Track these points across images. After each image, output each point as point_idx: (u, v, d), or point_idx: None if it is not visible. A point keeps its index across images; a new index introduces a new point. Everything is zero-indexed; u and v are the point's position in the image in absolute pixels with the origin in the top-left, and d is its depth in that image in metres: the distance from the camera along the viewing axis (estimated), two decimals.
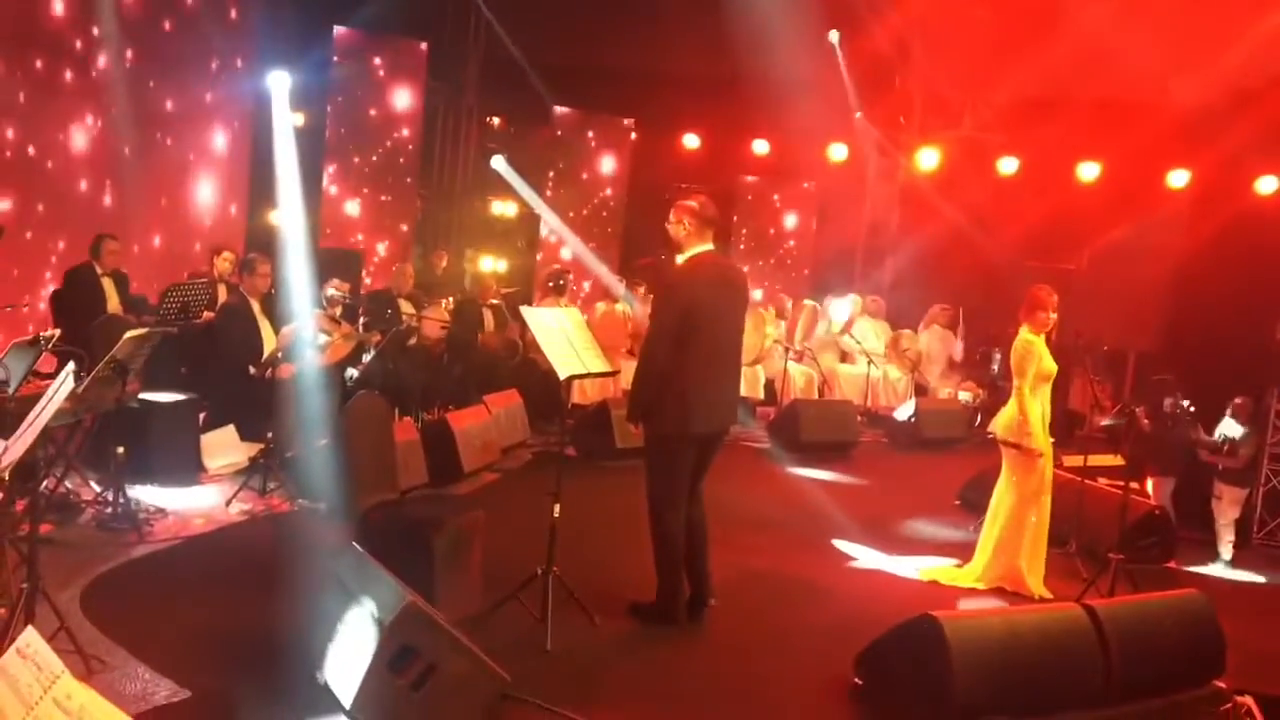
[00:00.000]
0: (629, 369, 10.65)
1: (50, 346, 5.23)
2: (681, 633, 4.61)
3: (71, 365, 3.65)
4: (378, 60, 13.46)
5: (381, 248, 13.66)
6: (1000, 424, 6.32)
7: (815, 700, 4.58)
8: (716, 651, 4.79)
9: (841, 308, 12.90)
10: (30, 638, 1.78)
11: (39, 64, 8.76)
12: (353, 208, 13.62)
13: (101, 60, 9.47)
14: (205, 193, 11.43)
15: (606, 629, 4.99)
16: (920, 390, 12.39)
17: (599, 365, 5.21)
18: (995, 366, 12.24)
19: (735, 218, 16.16)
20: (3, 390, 5.11)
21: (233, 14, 11.54)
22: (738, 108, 13.69)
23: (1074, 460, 7.67)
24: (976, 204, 13.28)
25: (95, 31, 9.35)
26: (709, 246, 5.19)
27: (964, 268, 12.99)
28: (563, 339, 5.10)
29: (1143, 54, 11.01)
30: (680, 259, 5.18)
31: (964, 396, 12.29)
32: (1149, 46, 10.87)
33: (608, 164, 15.99)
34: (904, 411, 11.54)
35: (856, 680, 4.66)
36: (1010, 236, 12.85)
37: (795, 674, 4.73)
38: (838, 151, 14.66)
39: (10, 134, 8.48)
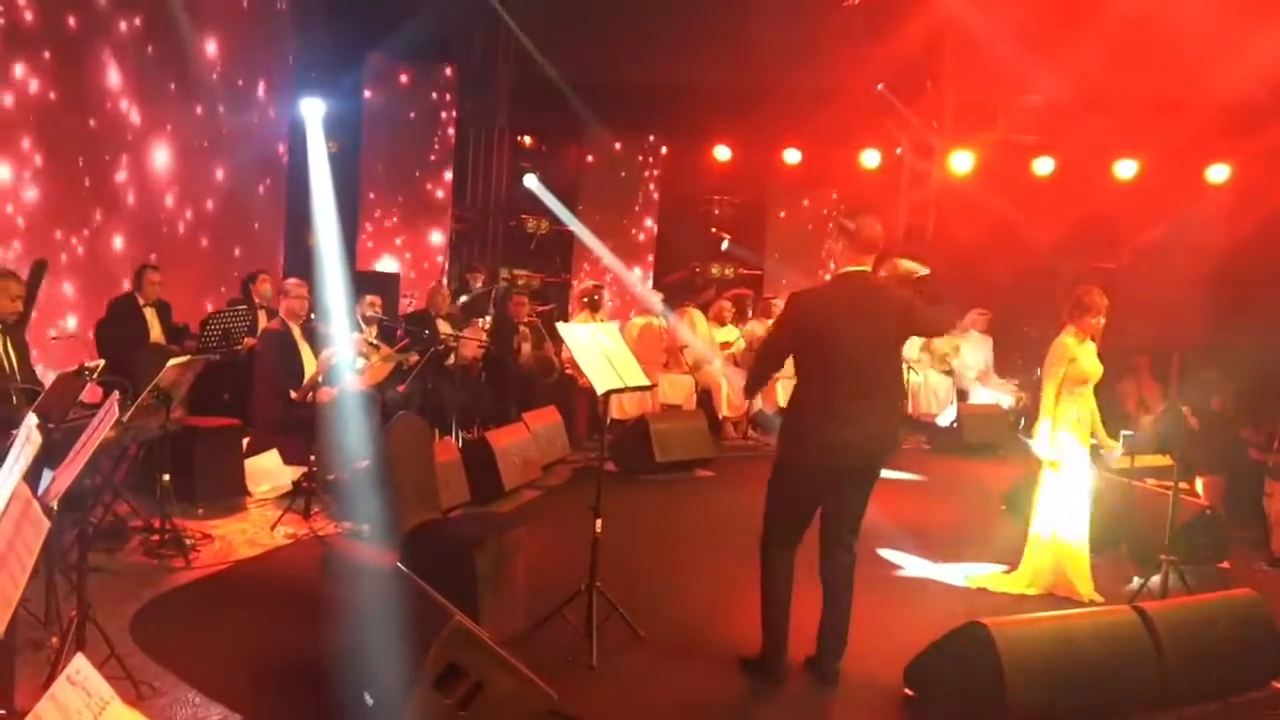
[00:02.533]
0: (666, 383, 10.80)
1: (95, 377, 5.29)
2: (727, 647, 4.57)
3: (116, 395, 3.69)
4: (410, 83, 13.59)
5: (417, 269, 13.76)
6: (1035, 427, 6.25)
7: (866, 713, 4.53)
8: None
9: None
10: (80, 665, 1.79)
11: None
12: (388, 230, 13.74)
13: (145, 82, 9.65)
14: (243, 218, 11.56)
15: (651, 644, 4.96)
16: (962, 396, 12.28)
17: (636, 380, 5.21)
18: (1039, 370, 12.10)
19: (767, 227, 16.14)
20: (49, 421, 5.17)
21: (267, 42, 11.69)
22: (768, 118, 13.69)
23: (1121, 462, 7.56)
24: (1013, 206, 13.16)
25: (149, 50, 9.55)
26: (861, 268, 4.75)
27: (1002, 270, 12.86)
28: (599, 354, 5.09)
29: (1181, 48, 10.88)
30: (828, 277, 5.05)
31: (1006, 401, 12.16)
32: (1187, 40, 10.74)
33: (639, 179, 16.03)
34: (946, 417, 11.43)
35: (907, 691, 4.61)
36: (1048, 237, 12.71)
37: (844, 687, 4.67)
38: (870, 158, 14.60)
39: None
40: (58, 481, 3.61)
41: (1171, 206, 12.52)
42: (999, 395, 12.25)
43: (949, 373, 12.42)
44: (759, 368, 4.98)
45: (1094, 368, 6.09)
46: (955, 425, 11.11)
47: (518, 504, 7.77)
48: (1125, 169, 13.20)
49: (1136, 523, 6.75)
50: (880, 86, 13.24)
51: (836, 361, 4.55)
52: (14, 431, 4.82)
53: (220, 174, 10.94)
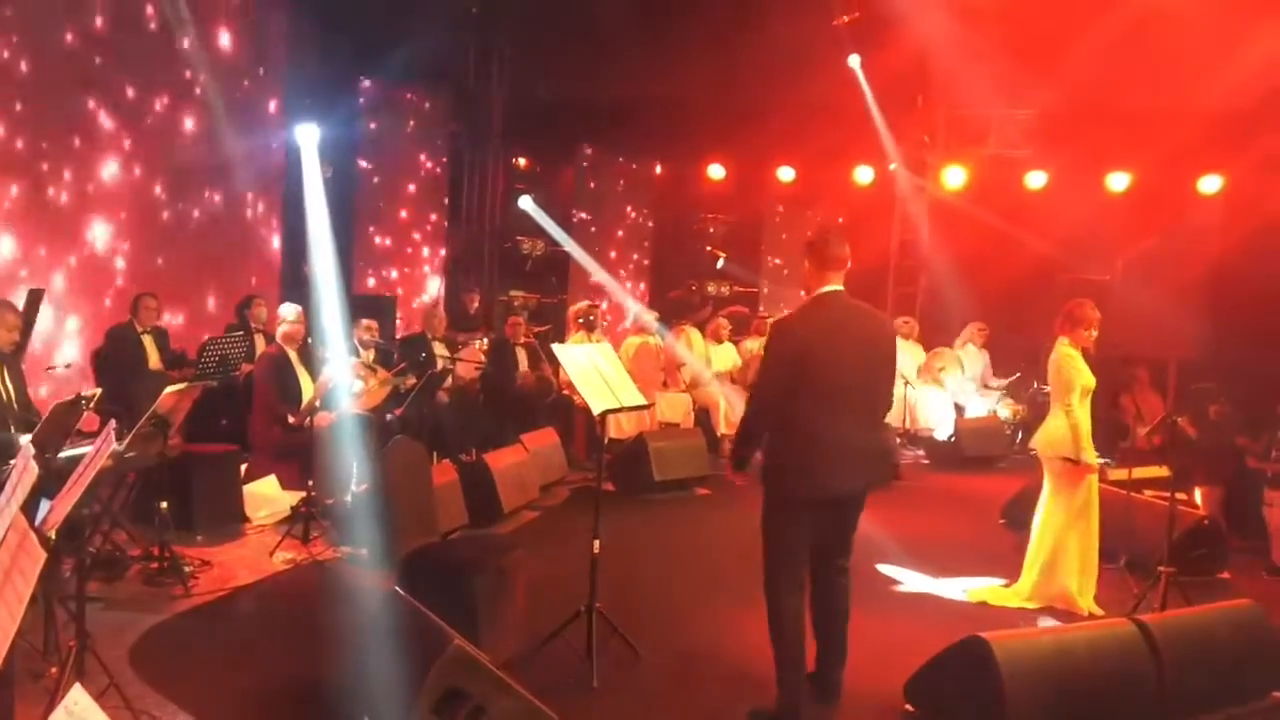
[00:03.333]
0: (664, 401, 10.81)
1: (91, 406, 5.30)
2: (728, 667, 4.56)
3: (113, 424, 3.70)
4: (403, 107, 13.65)
5: (413, 292, 13.79)
6: (1042, 440, 6.25)
7: None
8: (764, 684, 4.72)
9: None
10: (78, 696, 1.79)
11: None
12: (383, 253, 13.77)
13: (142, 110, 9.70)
14: (239, 243, 11.60)
15: (652, 664, 4.96)
16: (959, 410, 12.29)
17: (633, 399, 5.22)
18: (1035, 382, 12.13)
19: (763, 245, 16.19)
20: (45, 451, 5.17)
21: (261, 69, 11.74)
22: (761, 136, 13.74)
23: (1119, 473, 7.57)
24: (1006, 219, 13.20)
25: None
26: (835, 288, 4.55)
27: (996, 283, 12.89)
28: (595, 375, 5.11)
29: (1171, 60, 10.95)
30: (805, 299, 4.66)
31: (1004, 413, 12.17)
32: (1177, 52, 10.80)
33: (634, 198, 16.08)
34: (943, 431, 11.44)
35: (908, 707, 4.60)
36: (1042, 250, 12.75)
37: (846, 702, 4.66)
38: (863, 174, 14.66)
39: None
40: (55, 511, 3.61)
41: (1164, 217, 12.57)
42: (996, 406, 12.25)
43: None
44: (760, 413, 4.54)
45: (1090, 378, 6.11)
46: (953, 439, 11.12)
47: (516, 525, 7.77)
48: (1118, 181, 13.25)
49: (1135, 534, 6.76)
50: (854, 61, 13.13)
51: (831, 388, 4.38)
52: (11, 461, 4.84)
53: (216, 200, 10.97)
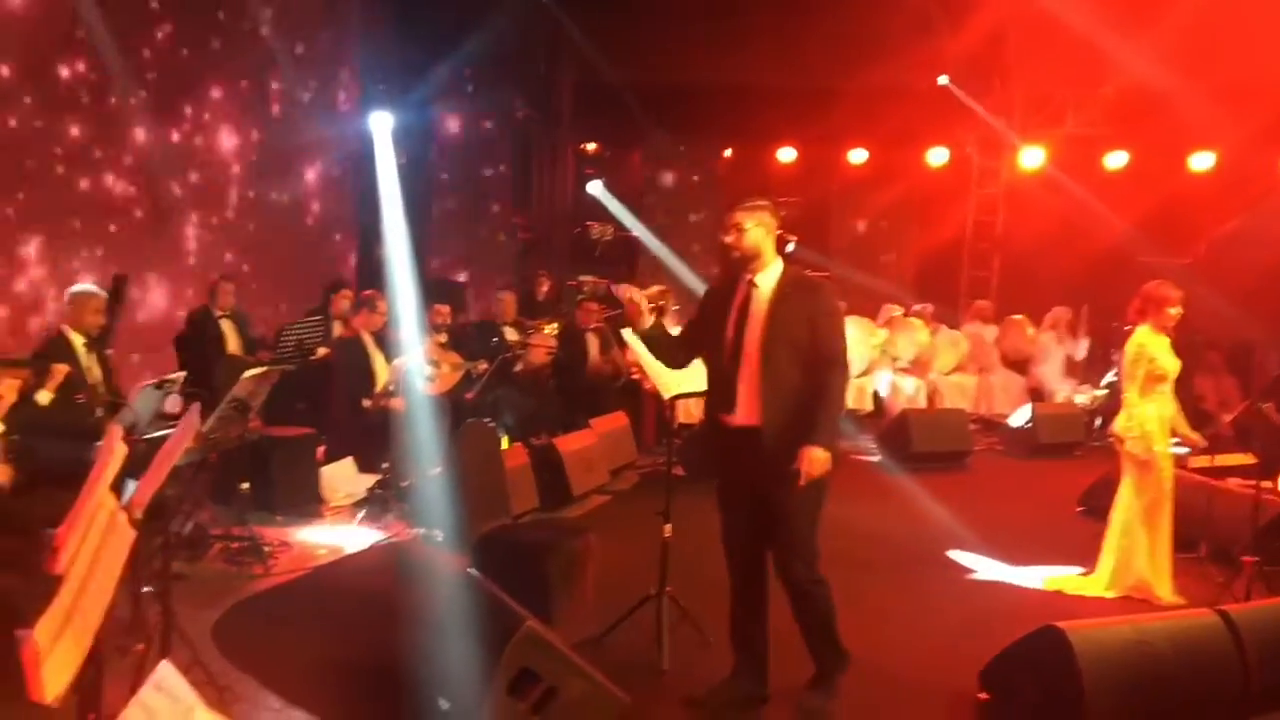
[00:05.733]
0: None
1: (175, 388, 5.43)
2: (801, 654, 4.54)
3: (196, 406, 3.79)
4: (474, 94, 13.74)
5: (484, 277, 13.90)
6: (1118, 424, 6.13)
7: (939, 716, 4.48)
8: None
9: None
10: (166, 671, 1.85)
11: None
12: (455, 239, 13.90)
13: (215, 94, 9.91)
14: (315, 230, 11.80)
15: (721, 649, 4.95)
16: (1036, 395, 12.08)
17: (703, 384, 5.20)
18: (1115, 367, 11.87)
19: (833, 228, 16.05)
20: (132, 433, 5.32)
21: (336, 59, 11.92)
22: (832, 118, 13.61)
23: (1201, 461, 7.38)
24: (1084, 200, 12.94)
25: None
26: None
27: (1074, 266, 12.65)
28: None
29: (1257, 36, 10.61)
30: (775, 269, 4.32)
31: (1081, 400, 11.94)
32: (1263, 28, 10.46)
33: (703, 182, 16.03)
34: (1019, 417, 11.26)
35: (981, 696, 4.55)
36: (1121, 232, 12.48)
37: (918, 691, 4.63)
38: (937, 156, 14.46)
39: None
40: (142, 491, 3.71)
41: (1249, 198, 12.20)
42: (1074, 393, 12.03)
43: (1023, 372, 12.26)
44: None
45: (1172, 364, 5.97)
46: (1029, 426, 10.93)
47: (586, 510, 7.81)
48: (1201, 161, 12.90)
49: (1216, 523, 6.59)
50: (944, 80, 13.06)
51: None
52: (98, 443, 4.98)
53: (293, 187, 11.17)
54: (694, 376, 5.11)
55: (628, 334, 5.42)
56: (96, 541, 2.74)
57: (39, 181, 8.16)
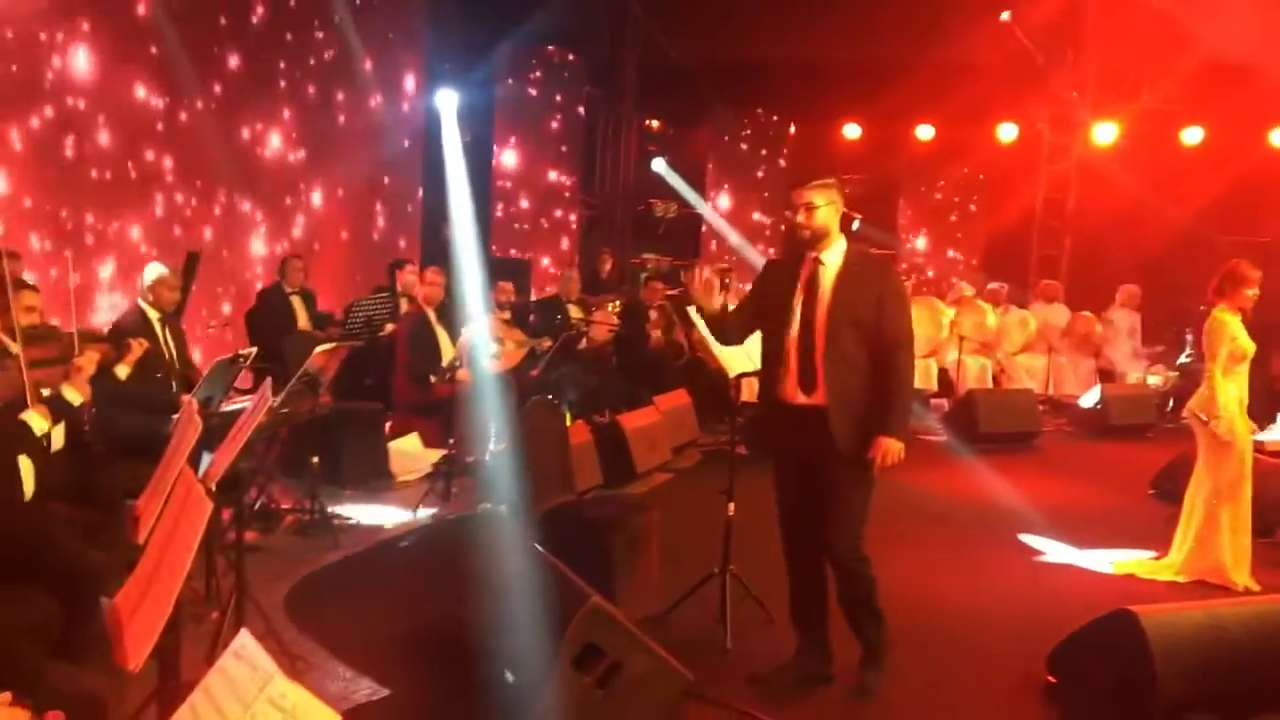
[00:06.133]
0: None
1: (248, 364, 5.53)
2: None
3: (269, 380, 3.86)
4: (539, 72, 13.77)
5: (548, 255, 13.96)
6: (1199, 405, 6.00)
7: (1008, 699, 4.43)
8: (901, 650, 4.67)
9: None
10: (245, 639, 1.89)
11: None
12: (519, 217, 13.96)
13: (282, 73, 10.03)
14: (382, 208, 11.92)
15: (785, 627, 4.94)
16: (1106, 376, 11.86)
17: None
18: (1188, 348, 11.62)
19: (900, 206, 15.86)
20: (207, 407, 5.44)
21: (403, 37, 12.00)
22: (899, 94, 13.40)
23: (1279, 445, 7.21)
24: (1158, 177, 12.63)
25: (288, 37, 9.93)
26: None
27: (1148, 245, 12.37)
28: None
29: None
30: (840, 247, 4.23)
31: (1154, 380, 11.70)
32: None
33: (766, 159, 15.91)
34: (1089, 398, 11.06)
35: (1050, 678, 4.50)
36: (1196, 210, 12.17)
37: (985, 673, 4.59)
38: (1007, 131, 14.20)
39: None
40: (217, 463, 3.79)
41: None
42: (1146, 374, 11.79)
43: (1096, 354, 12.03)
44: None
45: (1249, 344, 5.82)
46: (1099, 407, 10.74)
47: (649, 487, 7.83)
48: None
49: None
50: (1005, 16, 12.68)
51: None
52: (175, 416, 5.10)
53: (359, 166, 11.29)
54: (757, 355, 5.08)
55: (692, 312, 5.41)
56: (175, 512, 2.81)
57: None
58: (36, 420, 4.10)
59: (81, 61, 7.76)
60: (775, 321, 4.34)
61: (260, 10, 9.71)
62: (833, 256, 4.22)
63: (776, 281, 4.38)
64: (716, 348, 5.01)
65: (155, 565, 2.74)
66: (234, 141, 9.47)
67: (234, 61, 9.37)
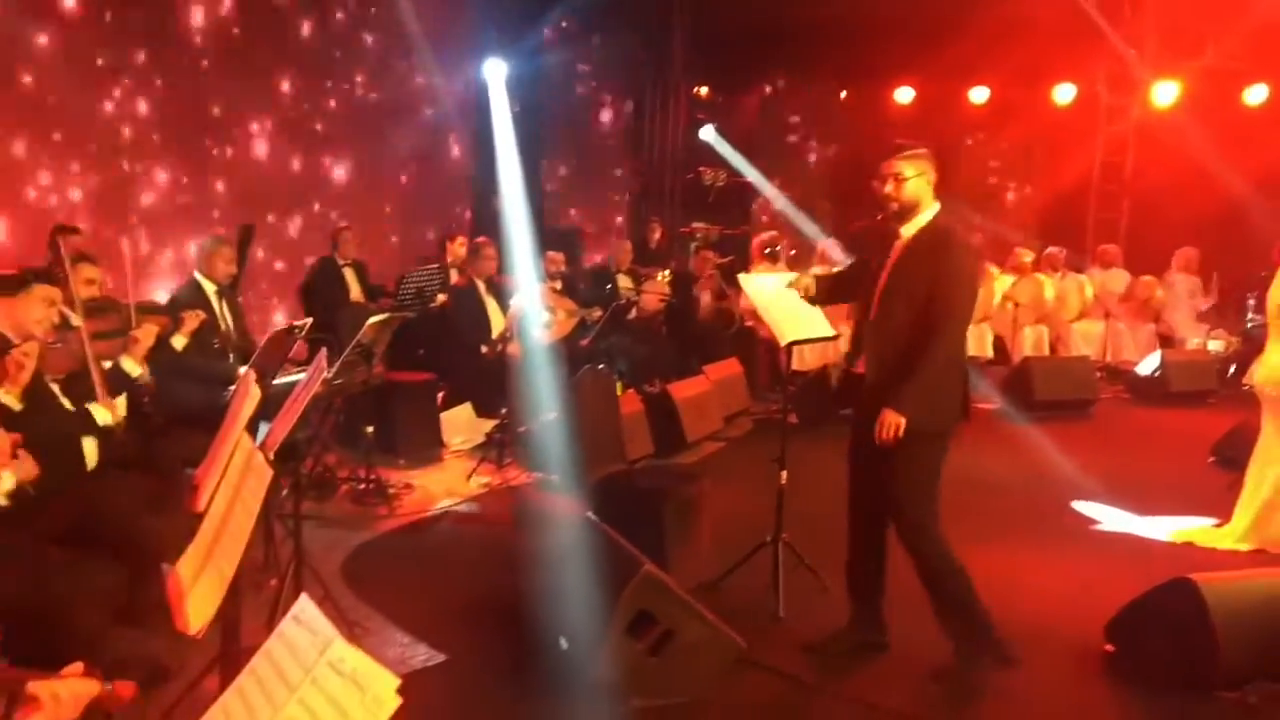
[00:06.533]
0: (849, 333, 10.59)
1: (303, 335, 5.60)
2: (920, 601, 4.48)
3: (324, 351, 3.90)
4: (587, 40, 13.70)
5: (597, 224, 13.94)
6: (1260, 374, 5.86)
7: (1065, 668, 4.39)
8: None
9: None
10: (305, 604, 1.91)
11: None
12: (568, 186, 13.95)
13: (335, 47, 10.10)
14: (432, 179, 11.96)
15: (838, 595, 4.93)
16: (1165, 342, 11.64)
17: (821, 330, 5.14)
18: (1250, 312, 11.36)
19: (953, 169, 15.63)
20: (263, 377, 5.50)
21: (451, 5, 11.99)
22: (952, 56, 13.15)
23: None
24: (1221, 139, 12.30)
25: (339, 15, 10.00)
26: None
27: (1209, 208, 12.07)
28: (782, 305, 5.04)
29: None
30: (922, 220, 4.14)
31: (1214, 346, 11.46)
32: None
33: (817, 125, 15.74)
34: (1147, 365, 10.87)
35: (1108, 648, 4.45)
36: (1260, 172, 11.84)
37: (1042, 642, 4.54)
38: (1064, 93, 13.92)
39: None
40: (274, 433, 3.84)
41: None
42: (1207, 339, 11.56)
43: (1156, 319, 11.83)
44: (953, 347, 4.10)
45: None
46: (1158, 373, 10.55)
47: (700, 456, 7.83)
48: None
49: None
50: None
51: (970, 310, 4.20)
52: (232, 387, 5.17)
53: (409, 137, 11.33)
54: (809, 323, 5.06)
55: (744, 279, 5.38)
56: (234, 481, 2.85)
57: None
58: (101, 413, 4.17)
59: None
60: (865, 293, 4.30)
61: None
62: (912, 229, 4.14)
63: (874, 251, 4.30)
64: (767, 316, 4.99)
65: (216, 533, 2.79)
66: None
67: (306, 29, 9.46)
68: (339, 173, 10.55)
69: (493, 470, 7.04)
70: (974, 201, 15.17)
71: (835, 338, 5.53)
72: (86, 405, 4.15)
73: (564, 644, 4.06)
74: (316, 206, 10.12)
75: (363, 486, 6.31)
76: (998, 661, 4.14)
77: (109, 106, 8.68)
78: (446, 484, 6.82)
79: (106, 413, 4.20)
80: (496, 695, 4.01)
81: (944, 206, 4.17)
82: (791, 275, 4.82)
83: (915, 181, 4.11)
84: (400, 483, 6.60)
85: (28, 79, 8.09)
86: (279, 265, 9.89)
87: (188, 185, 9.09)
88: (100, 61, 8.36)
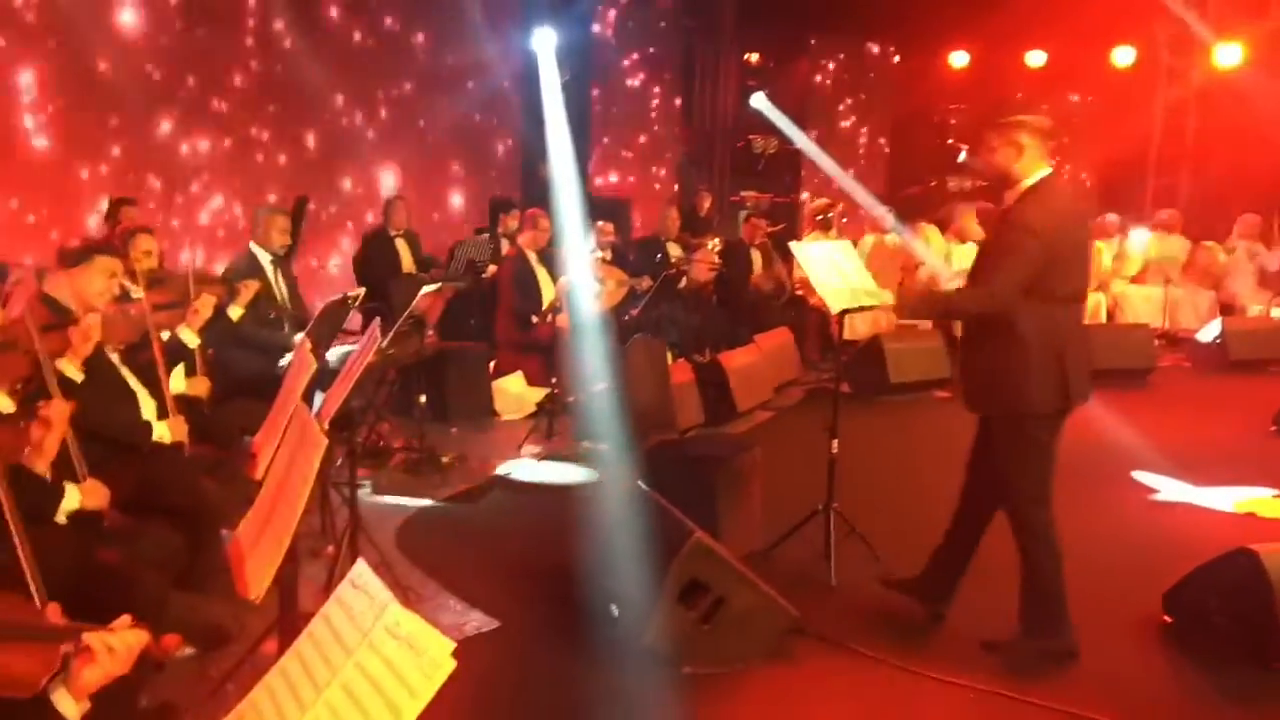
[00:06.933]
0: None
1: (356, 305, 5.65)
2: (974, 570, 4.45)
3: (377, 321, 3.93)
4: (636, 8, 13.62)
5: (647, 193, 13.89)
6: None
7: (1123, 639, 4.34)
8: (1014, 590, 4.60)
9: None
10: (361, 569, 1.94)
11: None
12: (618, 155, 13.91)
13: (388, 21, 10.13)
14: (481, 150, 11.98)
15: (889, 565, 4.91)
16: (1226, 309, 11.40)
17: (874, 298, 5.07)
18: None
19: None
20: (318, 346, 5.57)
21: None
22: (1008, 18, 12.89)
23: None
24: None
25: None
26: (1050, 170, 4.08)
27: (1271, 175, 11.76)
28: (834, 273, 5.00)
29: None
30: (1021, 188, 4.03)
31: (1277, 313, 11.21)
32: None
33: (870, 91, 15.54)
34: (1208, 333, 10.66)
35: (1167, 618, 4.39)
36: None
37: (1100, 612, 4.48)
38: (1123, 56, 13.60)
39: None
40: (329, 402, 3.89)
41: None
42: (1269, 306, 11.30)
43: (1217, 286, 11.57)
44: (1000, 306, 4.00)
45: None
46: (1219, 341, 10.34)
47: (751, 425, 7.82)
48: None
49: None
50: None
51: (1079, 285, 4.14)
52: (288, 357, 5.24)
53: (457, 108, 11.35)
54: (861, 292, 5.00)
55: (795, 247, 5.33)
56: (291, 449, 2.89)
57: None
58: (163, 430, 4.17)
59: None
60: None
61: None
62: (1011, 199, 4.09)
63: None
64: (819, 285, 4.94)
65: (273, 500, 2.83)
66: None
67: None
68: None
69: (543, 439, 7.08)
70: None
71: (891, 306, 5.44)
72: (147, 420, 4.16)
73: (615, 612, 4.08)
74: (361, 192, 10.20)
75: (415, 455, 6.37)
76: (1060, 655, 4.08)
77: None
78: (498, 452, 6.87)
79: (165, 430, 4.19)
80: (548, 663, 4.04)
81: (1047, 178, 4.05)
82: (843, 243, 4.80)
83: (1001, 152, 4.06)
84: (453, 451, 6.65)
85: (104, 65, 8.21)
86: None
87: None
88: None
